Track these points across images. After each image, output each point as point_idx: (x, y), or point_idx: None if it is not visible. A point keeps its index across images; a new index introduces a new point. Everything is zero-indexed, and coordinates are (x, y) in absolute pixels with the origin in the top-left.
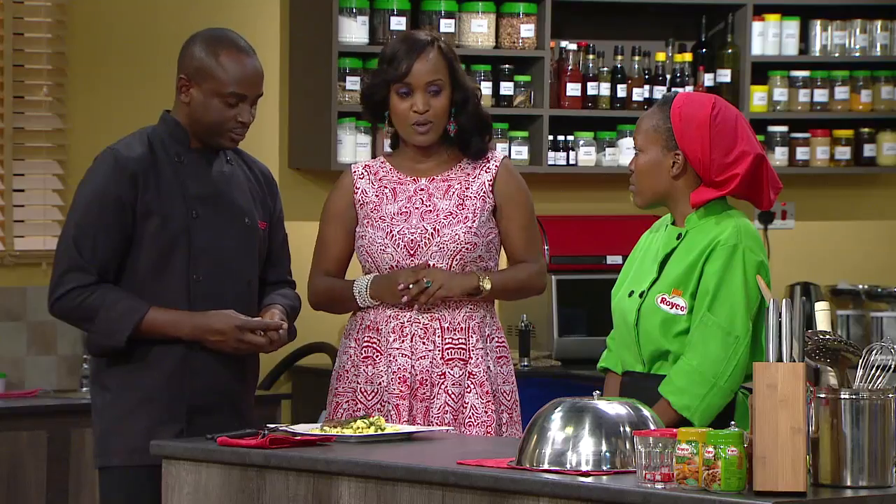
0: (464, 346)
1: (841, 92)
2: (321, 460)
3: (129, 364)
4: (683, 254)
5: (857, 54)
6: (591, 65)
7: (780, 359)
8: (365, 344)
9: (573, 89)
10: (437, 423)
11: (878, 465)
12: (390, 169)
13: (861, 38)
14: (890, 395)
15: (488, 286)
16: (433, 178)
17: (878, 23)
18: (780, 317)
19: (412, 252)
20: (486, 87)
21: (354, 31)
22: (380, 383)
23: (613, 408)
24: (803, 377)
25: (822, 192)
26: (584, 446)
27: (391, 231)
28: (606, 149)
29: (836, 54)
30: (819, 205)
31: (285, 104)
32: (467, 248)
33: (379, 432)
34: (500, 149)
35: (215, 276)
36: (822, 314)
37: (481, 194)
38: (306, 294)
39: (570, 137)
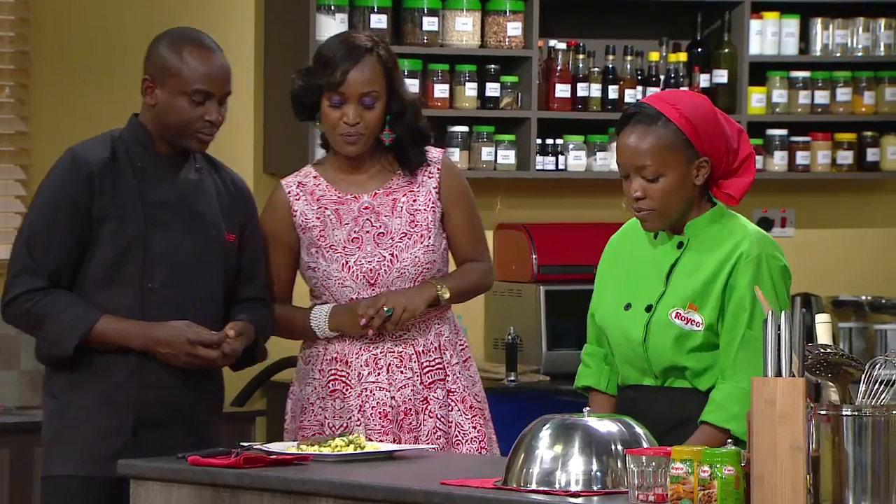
0: (441, 366)
1: (843, 93)
2: (297, 480)
3: (78, 372)
4: (693, 265)
5: (860, 54)
6: (581, 65)
7: (779, 373)
8: (332, 377)
9: (562, 90)
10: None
11: (882, 485)
12: (326, 186)
13: (864, 37)
14: (894, 412)
15: (447, 294)
16: (375, 194)
17: (882, 21)
18: (780, 329)
19: (372, 282)
20: (471, 89)
21: (333, 29)
22: (350, 418)
23: (604, 425)
24: (803, 392)
25: (823, 199)
26: (573, 465)
27: (347, 262)
28: (597, 153)
29: (838, 54)
30: (820, 212)
31: (260, 106)
32: (427, 268)
33: (358, 451)
34: (437, 150)
35: (172, 286)
36: (823, 327)
37: (430, 205)
38: None
39: (559, 141)
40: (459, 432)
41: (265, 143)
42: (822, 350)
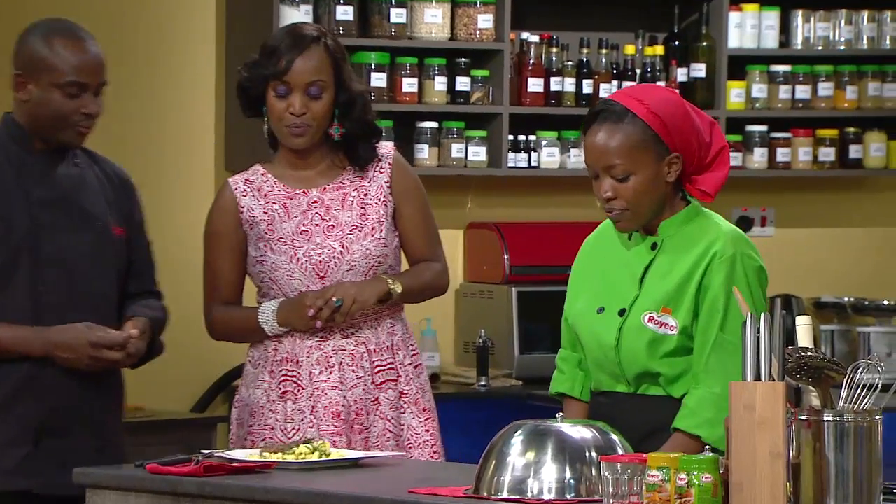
0: (393, 366)
1: (824, 88)
2: (260, 489)
3: None
4: (667, 266)
5: (842, 47)
6: (554, 58)
7: (758, 377)
8: (282, 378)
9: (535, 85)
10: (380, 451)
11: (864, 492)
12: (274, 182)
13: (846, 29)
14: (877, 417)
15: (399, 289)
16: (325, 188)
17: (865, 13)
18: (759, 332)
19: (322, 274)
20: (440, 83)
21: (297, 20)
22: (302, 420)
23: (578, 431)
24: (783, 397)
25: (805, 197)
26: (546, 473)
27: (295, 254)
28: (571, 150)
29: (820, 47)
30: (801, 211)
31: (221, 101)
32: (379, 262)
33: (323, 458)
34: (388, 145)
35: (65, 287)
36: (804, 329)
37: (381, 199)
38: (204, 327)
39: (532, 137)
40: (412, 435)
41: (226, 139)
42: (803, 353)
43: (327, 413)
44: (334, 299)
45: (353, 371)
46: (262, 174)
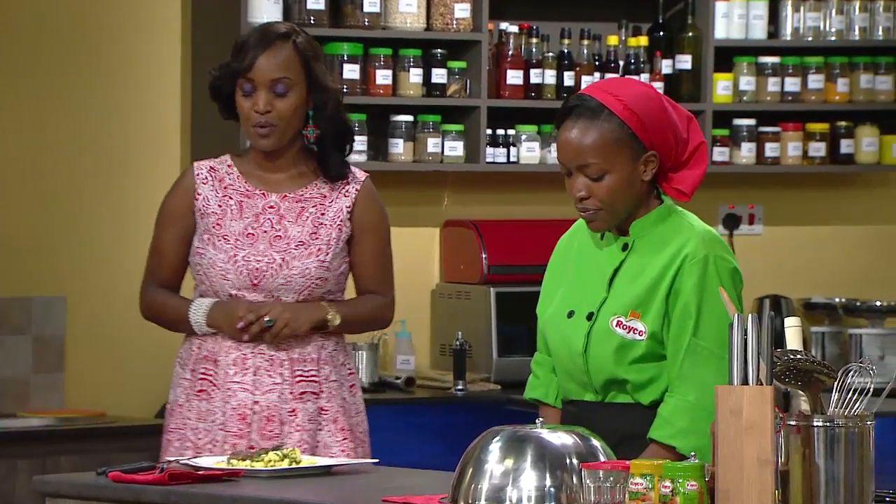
0: (316, 380)
1: (815, 81)
2: (227, 498)
3: None
4: (637, 268)
5: (833, 38)
6: (534, 49)
7: (745, 381)
8: (201, 376)
9: (514, 77)
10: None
11: (856, 500)
12: (238, 176)
13: (837, 20)
14: (868, 422)
15: (337, 321)
16: (285, 196)
17: (856, 3)
18: (746, 334)
19: (256, 281)
20: (416, 75)
21: (266, 10)
22: (213, 421)
23: (559, 437)
24: (771, 402)
25: (794, 194)
26: (525, 480)
27: (235, 255)
28: (552, 144)
29: (810, 38)
30: (790, 208)
31: (187, 92)
32: (317, 284)
33: (294, 466)
34: (363, 172)
35: None
36: (793, 331)
37: (337, 223)
38: (138, 303)
39: (511, 131)
40: (325, 454)
41: (193, 132)
42: (792, 356)
43: (234, 414)
44: (266, 318)
45: (269, 376)
46: (229, 165)
